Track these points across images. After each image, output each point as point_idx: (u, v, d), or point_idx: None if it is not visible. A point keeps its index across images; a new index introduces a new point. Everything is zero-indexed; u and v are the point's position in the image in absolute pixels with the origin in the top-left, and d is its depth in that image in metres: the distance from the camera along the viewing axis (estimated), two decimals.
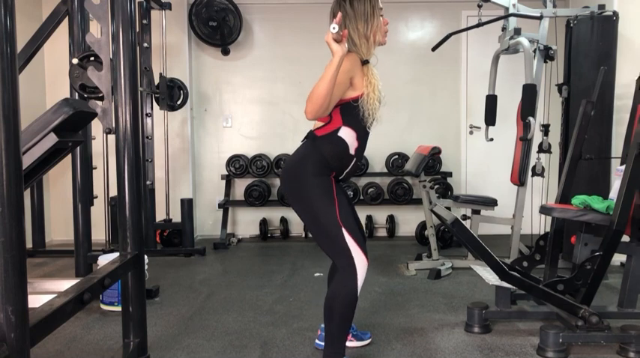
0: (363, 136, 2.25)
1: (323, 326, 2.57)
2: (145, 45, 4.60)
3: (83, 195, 3.64)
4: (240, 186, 5.49)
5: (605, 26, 3.95)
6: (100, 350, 2.60)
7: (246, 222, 5.62)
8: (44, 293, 2.80)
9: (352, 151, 2.22)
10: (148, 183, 4.72)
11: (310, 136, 2.24)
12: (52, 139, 2.04)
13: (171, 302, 3.37)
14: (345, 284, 2.12)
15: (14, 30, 1.27)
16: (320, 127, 2.21)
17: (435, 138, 5.21)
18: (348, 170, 2.26)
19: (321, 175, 2.17)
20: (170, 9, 4.82)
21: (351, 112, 2.17)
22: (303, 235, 5.47)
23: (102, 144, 4.06)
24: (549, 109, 4.48)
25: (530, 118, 3.67)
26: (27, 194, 4.45)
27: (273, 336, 2.75)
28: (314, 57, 5.46)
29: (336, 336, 2.16)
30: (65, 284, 2.51)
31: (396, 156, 5.37)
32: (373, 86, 2.18)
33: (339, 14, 2.04)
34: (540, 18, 3.88)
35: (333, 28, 1.93)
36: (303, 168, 2.18)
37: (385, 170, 5.43)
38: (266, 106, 5.60)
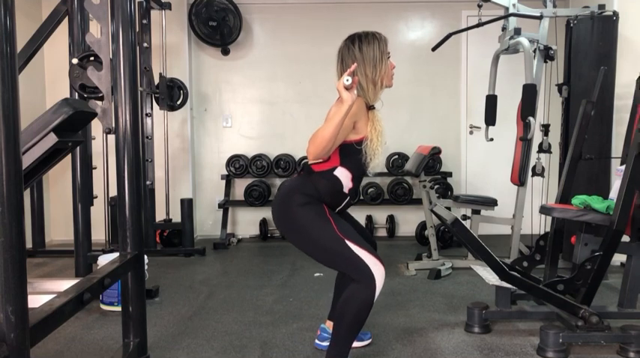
0: (357, 178, 2.26)
1: (323, 326, 2.57)
2: (145, 45, 4.60)
3: (83, 195, 3.64)
4: (240, 186, 5.49)
5: (605, 26, 3.95)
6: (100, 350, 2.60)
7: (246, 222, 5.62)
8: (44, 293, 2.80)
9: (346, 191, 2.23)
10: (148, 183, 4.72)
11: (306, 169, 2.23)
12: (52, 139, 2.03)
13: (171, 302, 3.37)
14: (363, 292, 2.06)
15: (14, 30, 1.27)
16: (317, 163, 2.20)
17: (435, 138, 5.21)
18: (340, 207, 2.26)
19: (310, 204, 2.16)
20: (170, 9, 4.82)
21: (350, 154, 2.18)
22: None
23: (102, 144, 4.05)
24: (549, 109, 4.48)
25: (530, 118, 3.67)
26: (27, 194, 4.45)
27: (273, 336, 2.75)
28: (314, 57, 5.48)
29: (344, 338, 2.12)
30: (65, 284, 2.51)
31: (396, 156, 5.37)
32: (378, 132, 2.19)
33: (354, 65, 2.04)
34: (540, 18, 3.88)
35: (347, 80, 1.93)
36: (292, 199, 2.16)
37: (385, 170, 5.42)
38: (266, 106, 5.60)
